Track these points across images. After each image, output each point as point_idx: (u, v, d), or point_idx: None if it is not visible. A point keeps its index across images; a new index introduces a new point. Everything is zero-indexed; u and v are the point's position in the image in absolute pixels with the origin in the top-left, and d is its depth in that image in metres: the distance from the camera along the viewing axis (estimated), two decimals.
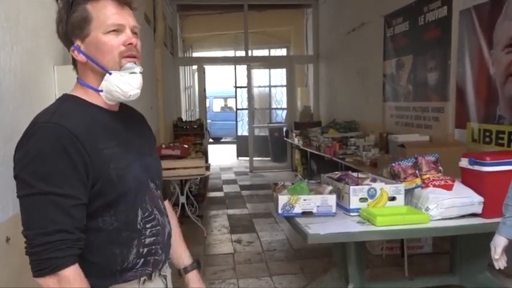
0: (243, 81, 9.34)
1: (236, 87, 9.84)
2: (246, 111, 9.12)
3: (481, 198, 2.10)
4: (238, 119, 10.51)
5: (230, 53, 11.02)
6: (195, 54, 11.76)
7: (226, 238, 4.45)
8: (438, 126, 4.04)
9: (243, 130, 10.47)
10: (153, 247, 1.15)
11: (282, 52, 11.52)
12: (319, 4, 8.29)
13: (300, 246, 3.99)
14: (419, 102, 4.40)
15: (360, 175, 2.43)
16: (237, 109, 10.43)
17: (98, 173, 1.03)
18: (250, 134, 8.73)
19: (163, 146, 4.62)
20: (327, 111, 8.01)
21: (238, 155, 10.18)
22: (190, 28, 10.18)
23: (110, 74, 1.09)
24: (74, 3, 1.07)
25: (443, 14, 3.90)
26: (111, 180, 1.05)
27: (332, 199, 2.16)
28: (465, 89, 3.62)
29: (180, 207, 4.51)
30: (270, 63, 9.71)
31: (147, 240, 1.13)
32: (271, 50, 11.61)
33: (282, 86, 9.57)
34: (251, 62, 8.75)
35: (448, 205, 2.07)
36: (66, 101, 1.11)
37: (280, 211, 2.15)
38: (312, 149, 6.14)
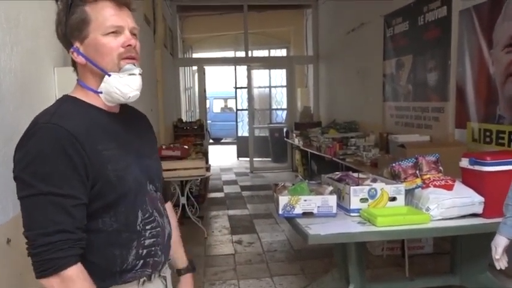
0: (243, 81, 9.34)
1: (236, 87, 9.85)
2: (246, 111, 9.13)
3: (482, 198, 2.10)
4: (238, 120, 10.51)
5: (230, 54, 11.03)
6: (195, 55, 11.77)
7: (227, 239, 4.45)
8: (438, 126, 4.04)
9: (243, 131, 10.47)
10: (153, 248, 1.15)
11: (282, 53, 11.53)
12: (318, 4, 8.29)
13: (301, 246, 3.99)
14: (420, 102, 4.40)
15: (361, 175, 2.43)
16: (237, 110, 10.43)
17: (97, 174, 1.03)
18: (250, 134, 8.73)
19: (164, 146, 4.62)
20: (327, 111, 8.01)
21: (239, 155, 10.19)
22: (190, 29, 10.18)
23: (109, 75, 1.09)
24: (72, 5, 1.07)
25: (443, 14, 3.91)
26: (110, 181, 1.05)
27: (332, 200, 2.15)
28: (465, 89, 3.62)
29: (180, 208, 4.51)
30: (270, 63, 9.72)
31: (147, 242, 1.13)
32: (271, 51, 11.62)
33: (282, 86, 9.57)
34: (251, 63, 8.76)
35: (448, 205, 2.07)
36: (66, 102, 1.11)
37: (280, 212, 2.15)
38: (312, 149, 6.14)
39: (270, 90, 9.87)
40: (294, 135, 7.38)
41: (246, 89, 8.85)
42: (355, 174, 2.44)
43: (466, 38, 3.58)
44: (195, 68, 10.03)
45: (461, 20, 3.64)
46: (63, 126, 1.00)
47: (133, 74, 1.11)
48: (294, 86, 8.80)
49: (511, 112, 3.11)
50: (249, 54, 8.84)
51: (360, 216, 2.14)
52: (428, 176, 2.27)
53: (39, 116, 1.06)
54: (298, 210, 2.14)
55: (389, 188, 2.19)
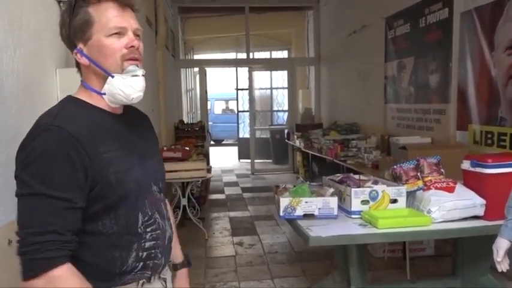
0: (244, 83, 9.35)
1: (237, 89, 9.86)
2: (248, 113, 9.13)
3: (483, 201, 2.09)
4: (239, 121, 10.53)
5: (231, 55, 11.04)
6: (196, 57, 11.79)
7: (228, 240, 4.45)
8: (440, 128, 4.03)
9: (244, 132, 10.48)
10: (153, 251, 1.15)
11: (283, 54, 11.54)
12: (320, 6, 8.30)
13: (302, 248, 3.98)
14: (421, 104, 4.40)
15: (362, 177, 2.43)
16: (238, 111, 10.44)
17: (98, 177, 1.03)
18: (251, 136, 8.74)
19: (165, 148, 4.63)
20: (328, 113, 8.01)
21: (240, 157, 10.19)
22: (191, 30, 10.20)
23: (113, 77, 1.09)
24: (76, 6, 1.08)
25: (445, 16, 3.91)
26: (110, 184, 1.05)
27: (334, 201, 2.15)
28: (466, 91, 3.62)
29: (181, 210, 4.51)
30: (271, 65, 9.73)
31: (147, 244, 1.13)
32: (273, 52, 11.64)
33: (283, 88, 9.58)
34: (252, 64, 8.77)
35: (450, 207, 2.07)
36: (69, 103, 1.11)
37: (281, 213, 2.15)
38: (314, 151, 6.14)
39: (271, 92, 9.88)
40: (295, 136, 7.39)
41: (248, 91, 8.86)
42: (356, 176, 2.44)
43: (467, 40, 3.58)
44: (196, 69, 10.05)
45: (462, 22, 3.64)
46: (66, 128, 1.01)
47: (136, 75, 1.11)
48: (295, 88, 8.81)
49: None
50: (251, 56, 8.85)
51: (361, 218, 2.13)
52: (429, 178, 2.26)
53: (42, 117, 1.06)
54: (299, 212, 2.14)
55: (391, 190, 2.19)
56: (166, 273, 1.27)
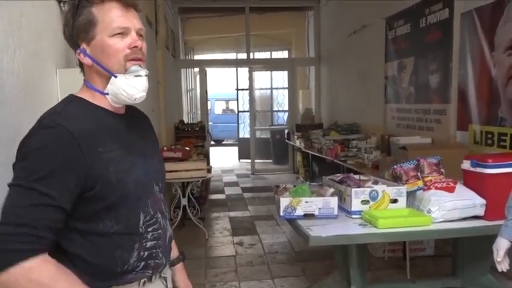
0: (244, 83, 9.36)
1: (238, 89, 9.86)
2: (248, 113, 9.14)
3: (483, 201, 2.09)
4: (239, 121, 10.53)
5: (232, 56, 11.05)
6: (196, 57, 11.79)
7: (228, 240, 4.45)
8: (440, 129, 4.03)
9: (244, 132, 10.48)
10: (154, 251, 1.15)
11: (283, 54, 11.55)
12: (320, 6, 8.30)
13: (302, 248, 3.98)
14: (421, 104, 4.40)
15: (362, 177, 2.43)
16: (238, 111, 10.45)
17: (97, 177, 1.03)
18: (251, 136, 8.74)
19: (165, 148, 4.63)
20: (328, 113, 8.01)
21: (240, 157, 10.19)
22: (191, 31, 10.20)
23: (116, 77, 1.10)
24: (79, 6, 1.08)
25: (445, 16, 3.91)
26: (110, 183, 1.05)
27: (334, 201, 2.16)
28: (467, 91, 3.62)
29: (181, 210, 4.52)
30: (271, 65, 9.73)
31: (148, 244, 1.13)
32: (273, 53, 11.64)
33: (283, 88, 9.59)
34: (253, 65, 8.77)
35: (450, 207, 2.07)
36: (72, 102, 1.11)
37: (282, 213, 2.15)
38: (314, 151, 6.14)
39: (271, 92, 9.88)
40: (296, 137, 7.39)
41: (248, 91, 8.87)
42: (357, 176, 2.44)
43: (467, 40, 3.58)
44: (196, 69, 10.05)
45: (463, 22, 3.64)
46: (66, 127, 1.01)
47: (139, 76, 1.11)
48: (295, 88, 8.81)
49: None
50: (251, 56, 8.85)
51: (361, 218, 2.14)
52: (429, 178, 2.26)
53: (45, 115, 1.06)
54: (299, 211, 2.14)
55: (391, 190, 2.19)
56: (167, 272, 1.27)
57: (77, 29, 1.09)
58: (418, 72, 4.46)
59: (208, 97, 9.34)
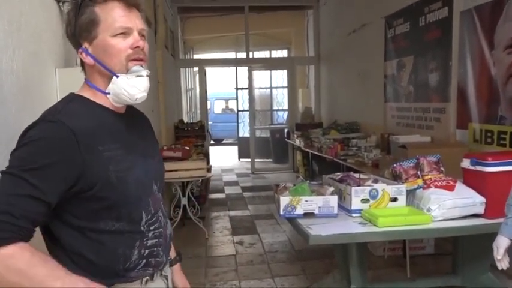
0: (244, 82, 9.35)
1: (237, 88, 9.86)
2: (247, 112, 9.13)
3: (483, 199, 2.09)
4: (239, 121, 10.53)
5: (231, 55, 11.04)
6: (196, 56, 11.79)
7: (228, 240, 4.45)
8: (440, 127, 4.03)
9: (244, 132, 10.48)
10: (155, 249, 1.16)
11: (283, 54, 11.54)
12: (319, 6, 8.30)
13: (302, 247, 3.99)
14: (421, 103, 4.40)
15: (362, 176, 2.43)
16: (238, 111, 10.44)
17: (96, 176, 1.03)
18: (251, 135, 8.74)
19: (165, 148, 4.63)
20: (328, 112, 8.01)
21: (240, 156, 10.19)
22: (191, 30, 10.20)
23: (117, 77, 1.10)
24: (82, 5, 1.08)
25: (444, 15, 3.90)
26: (110, 182, 1.05)
27: (334, 200, 2.16)
28: (466, 90, 3.62)
29: (181, 209, 4.52)
30: (271, 64, 9.72)
31: (149, 242, 1.14)
32: (272, 52, 11.63)
33: (283, 87, 9.58)
34: (252, 64, 8.76)
35: (450, 206, 2.07)
36: (73, 100, 1.11)
37: (281, 212, 2.15)
38: (314, 150, 6.14)
39: (271, 91, 9.88)
40: (295, 136, 7.39)
41: (247, 90, 8.87)
42: (356, 175, 2.44)
43: (467, 39, 3.58)
44: (196, 69, 10.05)
45: (462, 21, 3.64)
46: (66, 124, 1.01)
47: (141, 76, 1.11)
48: (295, 87, 8.81)
49: None
50: (250, 55, 8.84)
51: (361, 216, 2.14)
52: (429, 176, 2.26)
53: (46, 113, 1.07)
54: (299, 210, 2.14)
55: (391, 189, 2.19)
56: (167, 270, 1.28)
57: (79, 28, 1.09)
58: (417, 70, 4.46)
59: (208, 96, 9.34)
